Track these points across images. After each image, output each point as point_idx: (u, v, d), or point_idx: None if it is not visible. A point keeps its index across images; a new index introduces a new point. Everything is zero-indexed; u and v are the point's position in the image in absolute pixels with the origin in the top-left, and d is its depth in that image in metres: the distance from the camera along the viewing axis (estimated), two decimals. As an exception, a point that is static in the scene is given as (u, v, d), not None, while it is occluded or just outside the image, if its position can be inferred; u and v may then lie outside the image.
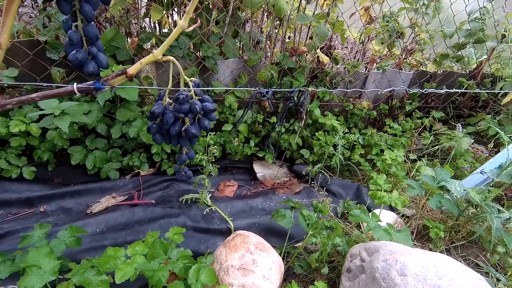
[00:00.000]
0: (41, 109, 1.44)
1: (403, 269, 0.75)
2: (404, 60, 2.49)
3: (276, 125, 1.33)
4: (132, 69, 0.77)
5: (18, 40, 1.49)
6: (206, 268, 0.87)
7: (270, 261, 0.88)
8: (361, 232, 1.36)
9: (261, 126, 1.92)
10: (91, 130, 1.61)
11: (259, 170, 1.95)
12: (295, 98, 1.08)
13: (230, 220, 1.35)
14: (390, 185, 1.23)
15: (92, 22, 0.69)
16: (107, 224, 1.29)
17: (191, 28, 0.78)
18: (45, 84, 0.80)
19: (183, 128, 0.86)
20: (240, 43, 1.98)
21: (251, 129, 1.95)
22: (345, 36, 2.12)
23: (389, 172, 1.72)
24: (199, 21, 1.76)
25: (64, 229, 0.96)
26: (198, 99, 0.86)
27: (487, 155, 1.90)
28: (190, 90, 0.85)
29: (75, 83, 0.72)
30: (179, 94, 0.82)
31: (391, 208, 1.57)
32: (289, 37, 2.19)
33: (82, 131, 1.62)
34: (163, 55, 0.78)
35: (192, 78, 0.86)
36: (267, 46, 2.11)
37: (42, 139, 1.55)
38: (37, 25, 1.61)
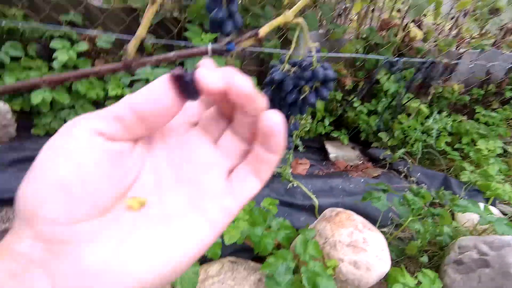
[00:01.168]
0: (133, 75, 1.51)
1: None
2: (502, 39, 2.19)
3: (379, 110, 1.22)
4: (262, 31, 0.74)
5: (112, 7, 1.55)
6: (312, 241, 0.86)
7: (380, 241, 0.84)
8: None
9: (338, 105, 1.83)
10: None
11: (332, 150, 1.89)
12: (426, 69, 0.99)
13: (314, 196, 1.33)
14: (503, 177, 1.10)
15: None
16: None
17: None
18: (182, 43, 0.81)
19: (302, 96, 0.83)
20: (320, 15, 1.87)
21: (326, 107, 1.87)
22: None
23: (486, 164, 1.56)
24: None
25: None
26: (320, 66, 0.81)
27: None
28: (311, 56, 0.80)
29: (210, 43, 0.71)
30: (303, 60, 0.78)
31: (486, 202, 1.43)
32: (372, 10, 2.03)
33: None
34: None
35: (315, 44, 0.81)
36: (348, 19, 1.98)
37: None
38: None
